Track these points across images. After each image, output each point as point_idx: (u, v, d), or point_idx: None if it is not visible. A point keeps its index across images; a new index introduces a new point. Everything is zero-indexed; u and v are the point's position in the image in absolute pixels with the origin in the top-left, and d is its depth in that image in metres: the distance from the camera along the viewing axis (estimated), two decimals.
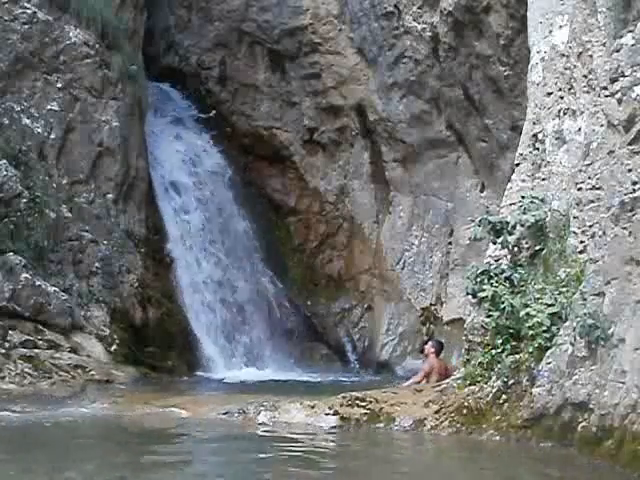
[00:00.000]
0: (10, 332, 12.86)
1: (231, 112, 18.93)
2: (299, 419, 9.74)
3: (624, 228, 8.20)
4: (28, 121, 14.19)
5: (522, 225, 9.97)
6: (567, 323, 8.70)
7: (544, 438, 8.57)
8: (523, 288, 9.68)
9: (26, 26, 14.38)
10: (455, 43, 15.88)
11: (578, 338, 8.34)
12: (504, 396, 9.17)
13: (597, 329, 8.16)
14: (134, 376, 13.79)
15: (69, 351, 13.37)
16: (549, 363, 8.78)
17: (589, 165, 9.02)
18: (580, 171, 9.19)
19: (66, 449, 8.39)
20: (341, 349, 17.94)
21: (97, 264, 14.48)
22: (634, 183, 8.19)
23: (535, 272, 9.74)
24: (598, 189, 8.82)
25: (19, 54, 14.35)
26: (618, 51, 8.56)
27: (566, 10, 9.84)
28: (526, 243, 9.98)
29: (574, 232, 9.24)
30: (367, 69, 17.78)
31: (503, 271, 9.97)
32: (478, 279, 10.00)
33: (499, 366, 9.38)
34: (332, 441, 9.17)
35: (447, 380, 10.54)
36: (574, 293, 8.77)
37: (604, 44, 8.81)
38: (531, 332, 9.14)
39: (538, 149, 10.43)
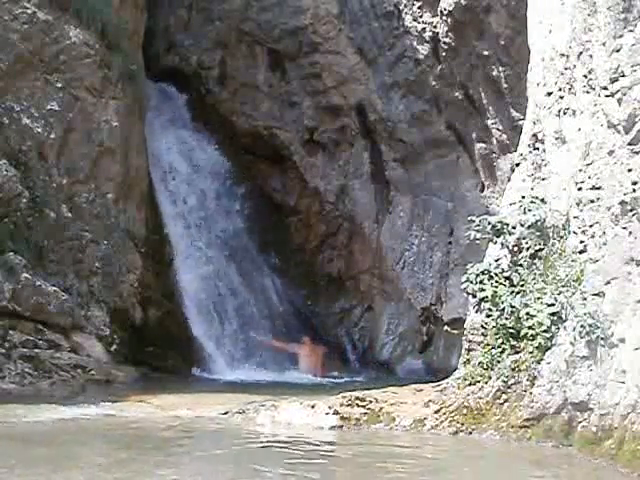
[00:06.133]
0: (10, 332, 12.85)
1: (231, 112, 18.93)
2: (299, 419, 9.75)
3: (624, 228, 8.22)
4: (28, 121, 14.17)
5: (522, 225, 9.97)
6: (567, 323, 8.71)
7: (544, 438, 8.58)
8: (523, 288, 9.69)
9: (26, 26, 14.36)
10: (455, 43, 15.90)
11: (578, 338, 8.36)
12: (504, 396, 9.18)
13: (597, 329, 8.17)
14: (134, 376, 13.80)
15: (69, 351, 13.36)
16: (549, 363, 8.79)
17: (589, 165, 9.03)
18: (580, 171, 9.20)
19: (67, 449, 8.39)
20: (341, 349, 17.95)
21: (97, 264, 14.47)
22: (634, 183, 8.21)
23: (535, 272, 9.74)
24: (598, 189, 8.83)
25: (19, 54, 14.33)
26: (618, 51, 8.57)
27: (566, 10, 9.84)
28: (526, 243, 9.98)
29: (574, 232, 9.24)
30: (367, 69, 17.78)
31: (503, 271, 9.98)
32: (478, 279, 10.01)
33: (499, 366, 9.39)
34: (332, 441, 9.17)
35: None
36: (574, 293, 8.78)
37: (604, 44, 8.81)
38: (531, 332, 9.15)
39: (538, 149, 10.43)
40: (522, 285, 9.74)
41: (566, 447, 8.34)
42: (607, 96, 8.68)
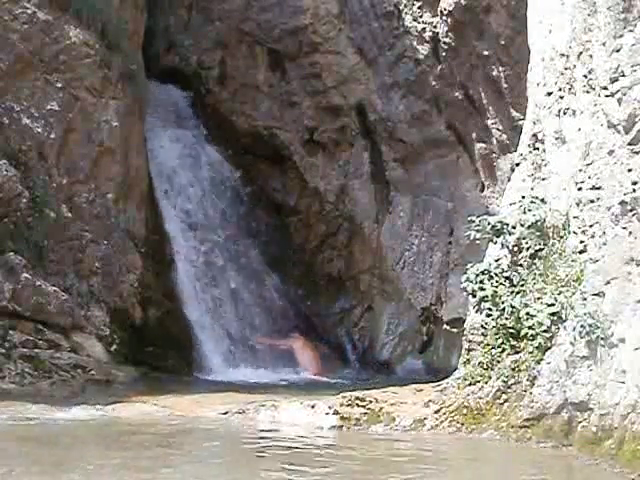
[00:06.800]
0: (10, 332, 12.85)
1: (231, 112, 18.91)
2: (299, 419, 9.76)
3: (624, 228, 8.22)
4: (28, 121, 14.15)
5: (522, 225, 9.97)
6: (567, 323, 8.71)
7: (544, 438, 8.58)
8: (523, 288, 9.68)
9: (26, 26, 14.34)
10: (455, 43, 15.89)
11: (578, 338, 8.36)
12: (504, 396, 9.18)
13: (597, 329, 8.17)
14: (134, 376, 13.79)
15: (69, 351, 13.36)
16: (549, 363, 8.78)
17: (589, 165, 9.03)
18: (580, 171, 9.20)
19: (66, 449, 8.39)
20: (341, 349, 17.94)
21: (97, 264, 14.46)
22: (634, 183, 8.21)
23: (535, 272, 9.74)
24: (598, 189, 8.83)
25: (19, 54, 14.32)
26: (618, 51, 8.58)
27: (566, 10, 9.84)
28: (526, 243, 9.98)
29: (574, 232, 9.24)
30: (367, 69, 17.77)
31: (503, 271, 9.98)
32: (478, 279, 10.01)
33: (499, 366, 9.39)
34: (332, 441, 9.17)
35: None
36: (574, 293, 8.78)
37: (604, 44, 8.81)
38: (531, 332, 9.15)
39: (538, 149, 10.43)
40: (522, 285, 9.74)
41: (566, 447, 8.34)
42: (607, 96, 8.68)
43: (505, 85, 15.23)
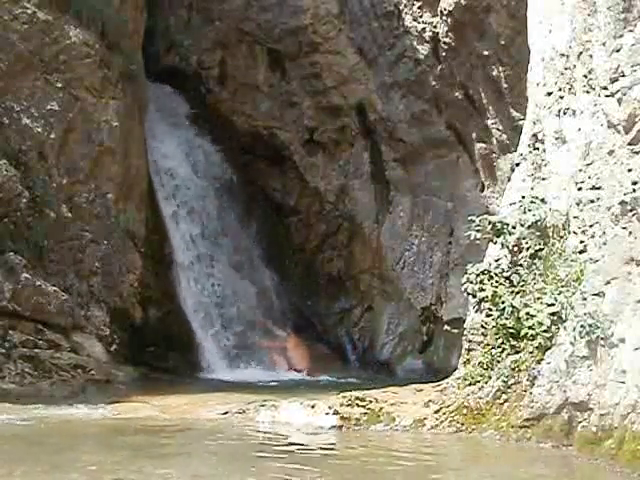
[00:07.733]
0: (10, 332, 12.86)
1: (231, 112, 18.93)
2: (299, 419, 9.75)
3: (624, 228, 8.22)
4: (28, 121, 14.16)
5: (522, 225, 9.97)
6: (567, 323, 8.71)
7: (544, 438, 8.57)
8: (523, 288, 9.68)
9: (26, 26, 14.35)
10: (455, 43, 15.89)
11: (578, 338, 8.35)
12: (504, 396, 9.18)
13: (597, 329, 8.17)
14: (134, 376, 13.80)
15: (69, 351, 13.37)
16: (549, 363, 8.78)
17: (589, 165, 9.03)
18: (580, 171, 9.20)
19: (66, 449, 8.39)
20: (341, 349, 17.94)
21: (97, 264, 14.47)
22: (634, 183, 8.20)
23: (535, 272, 9.74)
24: (598, 189, 8.83)
25: (19, 54, 14.32)
26: (618, 51, 8.58)
27: (566, 10, 9.84)
28: (526, 243, 9.98)
29: (574, 232, 9.24)
30: (367, 69, 17.78)
31: (503, 271, 9.98)
32: (478, 279, 10.01)
33: (499, 366, 9.39)
34: (332, 441, 9.17)
35: None
36: (574, 293, 8.78)
37: (604, 44, 8.81)
38: (531, 332, 9.15)
39: (538, 149, 10.43)
40: (522, 285, 9.74)
41: (566, 447, 8.34)
42: (607, 96, 8.68)
43: (505, 85, 15.24)
